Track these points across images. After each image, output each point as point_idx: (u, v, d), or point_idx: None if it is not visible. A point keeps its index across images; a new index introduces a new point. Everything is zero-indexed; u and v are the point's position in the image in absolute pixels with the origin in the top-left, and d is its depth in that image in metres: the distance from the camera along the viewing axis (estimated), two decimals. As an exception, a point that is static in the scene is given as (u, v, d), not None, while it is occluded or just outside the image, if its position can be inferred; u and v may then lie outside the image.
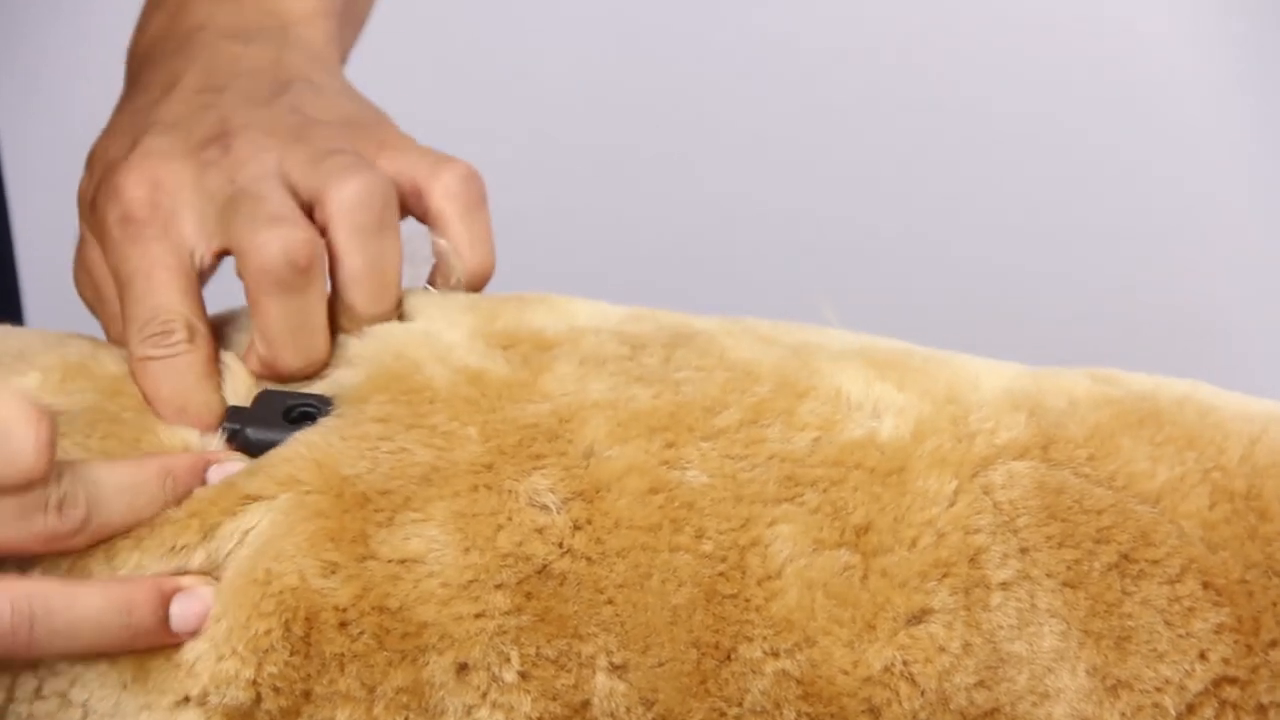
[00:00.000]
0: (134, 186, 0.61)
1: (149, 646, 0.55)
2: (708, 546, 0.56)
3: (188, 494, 0.57)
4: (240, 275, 0.60)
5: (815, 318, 0.66)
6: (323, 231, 0.61)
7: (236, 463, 0.58)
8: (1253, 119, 1.29)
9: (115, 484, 0.56)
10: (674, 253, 1.28)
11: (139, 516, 0.57)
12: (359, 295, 0.61)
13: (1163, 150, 1.30)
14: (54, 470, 0.54)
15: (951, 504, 0.57)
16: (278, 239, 0.59)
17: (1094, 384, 0.61)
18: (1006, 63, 1.33)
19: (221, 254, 0.61)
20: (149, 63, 0.69)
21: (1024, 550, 0.56)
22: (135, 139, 0.63)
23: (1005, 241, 1.33)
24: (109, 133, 0.66)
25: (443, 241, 0.63)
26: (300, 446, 0.58)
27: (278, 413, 0.60)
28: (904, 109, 1.34)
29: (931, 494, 0.57)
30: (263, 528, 0.56)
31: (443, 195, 0.63)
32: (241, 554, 0.56)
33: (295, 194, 0.61)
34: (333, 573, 0.56)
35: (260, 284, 0.59)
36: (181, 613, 0.55)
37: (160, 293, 0.60)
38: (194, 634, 0.55)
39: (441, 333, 0.61)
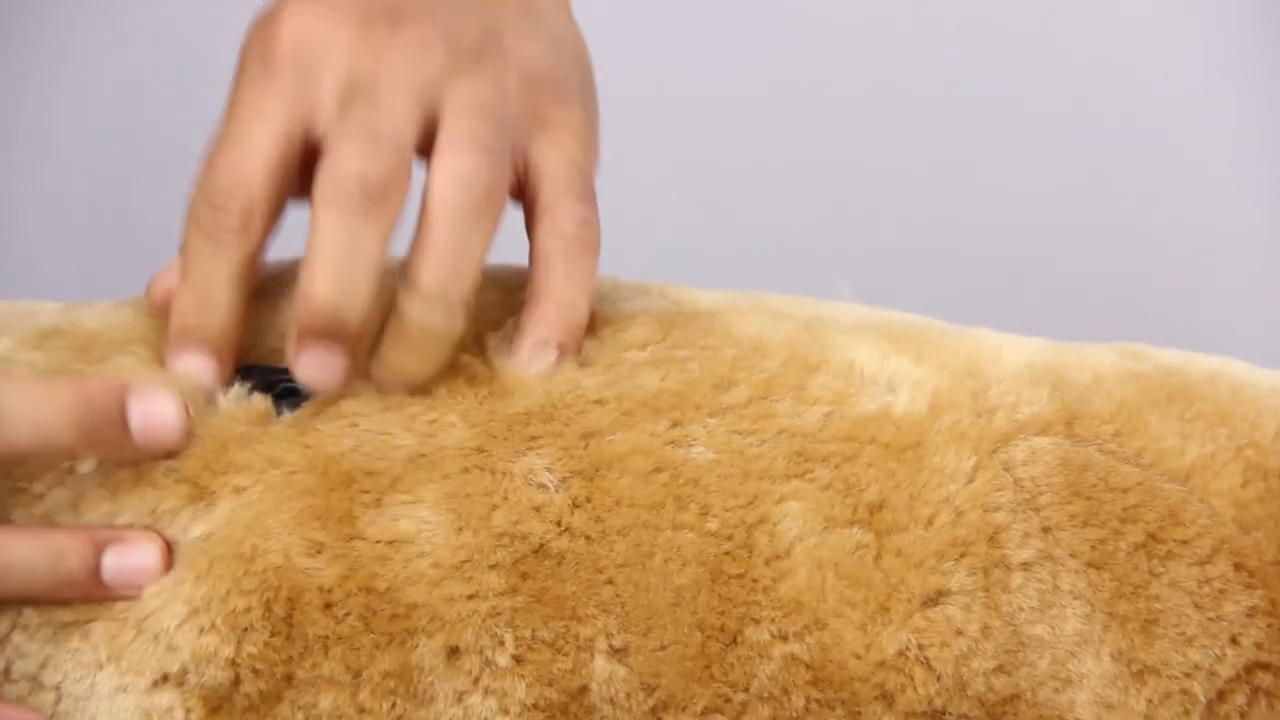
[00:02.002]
0: (289, 26, 0.58)
1: (80, 599, 0.55)
2: (713, 525, 0.55)
3: (109, 428, 0.56)
4: (315, 174, 0.57)
5: (831, 296, 0.65)
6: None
7: (163, 399, 0.56)
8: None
9: (20, 399, 0.55)
10: (688, 234, 1.29)
11: (48, 440, 0.55)
12: (426, 270, 0.57)
13: (1185, 135, 1.31)
14: None
15: (970, 481, 0.56)
16: (361, 155, 0.56)
17: (1120, 359, 0.60)
18: (1021, 48, 1.34)
19: (310, 151, 0.59)
20: None
21: (1046, 529, 0.56)
22: None
23: (1020, 227, 1.34)
24: None
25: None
26: (285, 426, 0.58)
27: (257, 387, 0.59)
28: (921, 95, 1.35)
29: (949, 470, 0.56)
30: (253, 496, 0.56)
31: (550, 230, 0.60)
32: (229, 515, 0.56)
33: (425, 119, 0.58)
34: (318, 552, 0.55)
35: (324, 192, 0.56)
36: (115, 566, 0.55)
37: (244, 157, 0.57)
38: (132, 591, 0.55)
39: None
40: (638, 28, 1.29)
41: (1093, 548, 0.55)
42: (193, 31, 1.30)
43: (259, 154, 0.57)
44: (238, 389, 0.59)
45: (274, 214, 0.58)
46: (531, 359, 0.59)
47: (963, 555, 0.55)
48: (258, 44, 0.59)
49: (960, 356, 0.60)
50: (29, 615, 0.55)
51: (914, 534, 0.55)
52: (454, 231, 0.57)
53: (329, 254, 0.56)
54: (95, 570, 0.55)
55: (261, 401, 0.58)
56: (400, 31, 0.59)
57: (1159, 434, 0.57)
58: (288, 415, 0.58)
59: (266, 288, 0.61)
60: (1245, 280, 1.32)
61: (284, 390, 0.59)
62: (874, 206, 1.36)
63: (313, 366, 0.57)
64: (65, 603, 0.55)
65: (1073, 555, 0.55)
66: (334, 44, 0.58)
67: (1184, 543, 0.56)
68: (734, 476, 0.56)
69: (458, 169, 0.57)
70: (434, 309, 0.57)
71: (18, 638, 0.55)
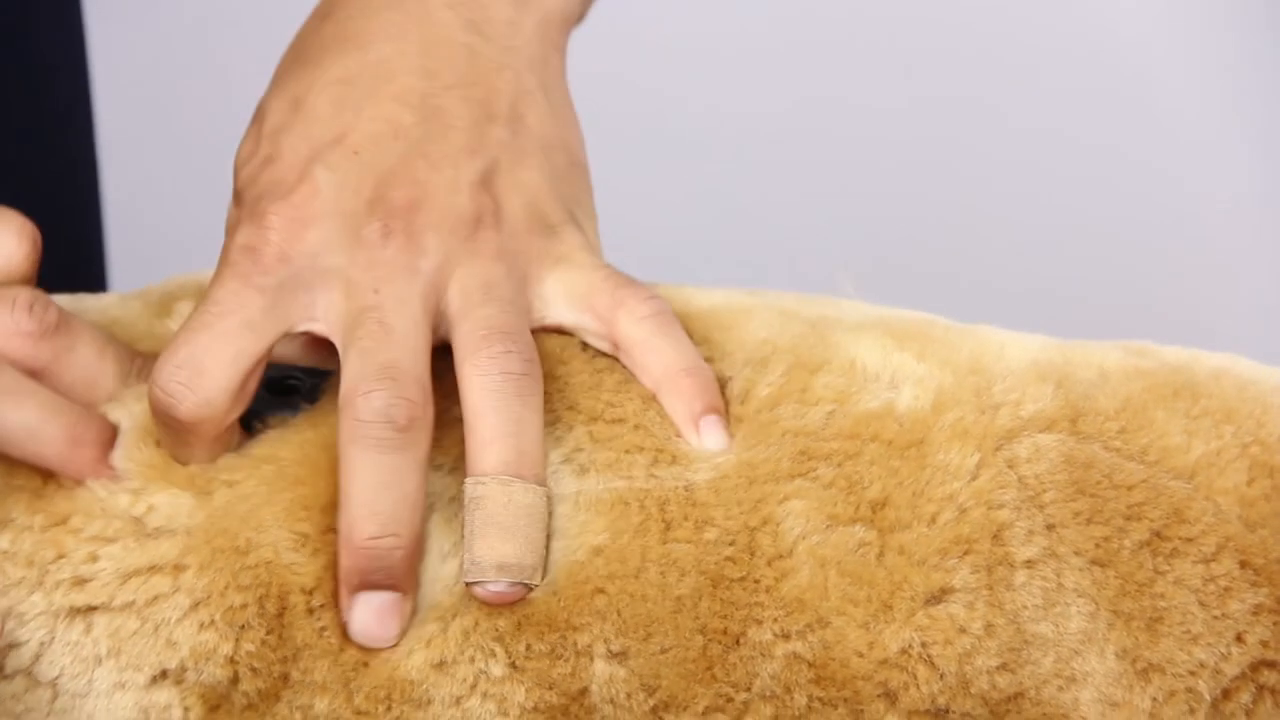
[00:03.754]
0: (278, 226, 0.58)
1: (75, 469, 0.56)
2: (711, 534, 0.56)
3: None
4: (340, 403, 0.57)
5: (834, 292, 0.66)
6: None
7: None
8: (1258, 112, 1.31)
9: (91, 331, 0.58)
10: (691, 231, 1.29)
11: (100, 370, 0.58)
12: (491, 457, 0.56)
13: (1192, 131, 1.32)
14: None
15: (974, 478, 0.57)
16: (384, 394, 0.56)
17: (1126, 355, 0.60)
18: (1020, 57, 1.34)
19: (317, 340, 0.59)
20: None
21: (1050, 527, 0.56)
22: (311, 148, 0.60)
23: (1023, 223, 1.35)
24: (283, 81, 0.62)
25: None
26: (287, 429, 0.58)
27: (262, 386, 0.60)
28: (921, 92, 1.35)
29: (953, 467, 0.57)
30: (247, 489, 0.57)
31: (631, 321, 0.60)
32: (225, 507, 0.56)
33: (435, 313, 0.59)
34: (302, 545, 0.56)
35: (352, 434, 0.56)
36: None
37: (215, 359, 0.57)
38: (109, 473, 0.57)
39: None
40: (640, 25, 1.29)
41: (1097, 545, 0.56)
42: (195, 32, 1.31)
43: (229, 368, 0.57)
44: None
45: (234, 410, 0.57)
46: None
47: (966, 553, 0.56)
48: (246, 235, 0.59)
49: (963, 353, 0.60)
50: (30, 601, 0.55)
51: (917, 531, 0.56)
52: (506, 416, 0.57)
53: (366, 496, 0.55)
54: (106, 453, 0.57)
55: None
56: (392, 239, 0.59)
57: (1164, 431, 0.58)
58: (293, 415, 0.59)
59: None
60: (1250, 277, 1.32)
61: (286, 387, 0.60)
62: (874, 203, 1.37)
63: (370, 613, 0.55)
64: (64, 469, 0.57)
65: (1077, 553, 0.56)
66: (327, 250, 0.58)
67: (1189, 540, 0.56)
68: (740, 485, 0.57)
69: (487, 359, 0.57)
70: (513, 488, 0.56)
71: (10, 625, 0.55)
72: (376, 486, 0.55)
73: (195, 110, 1.41)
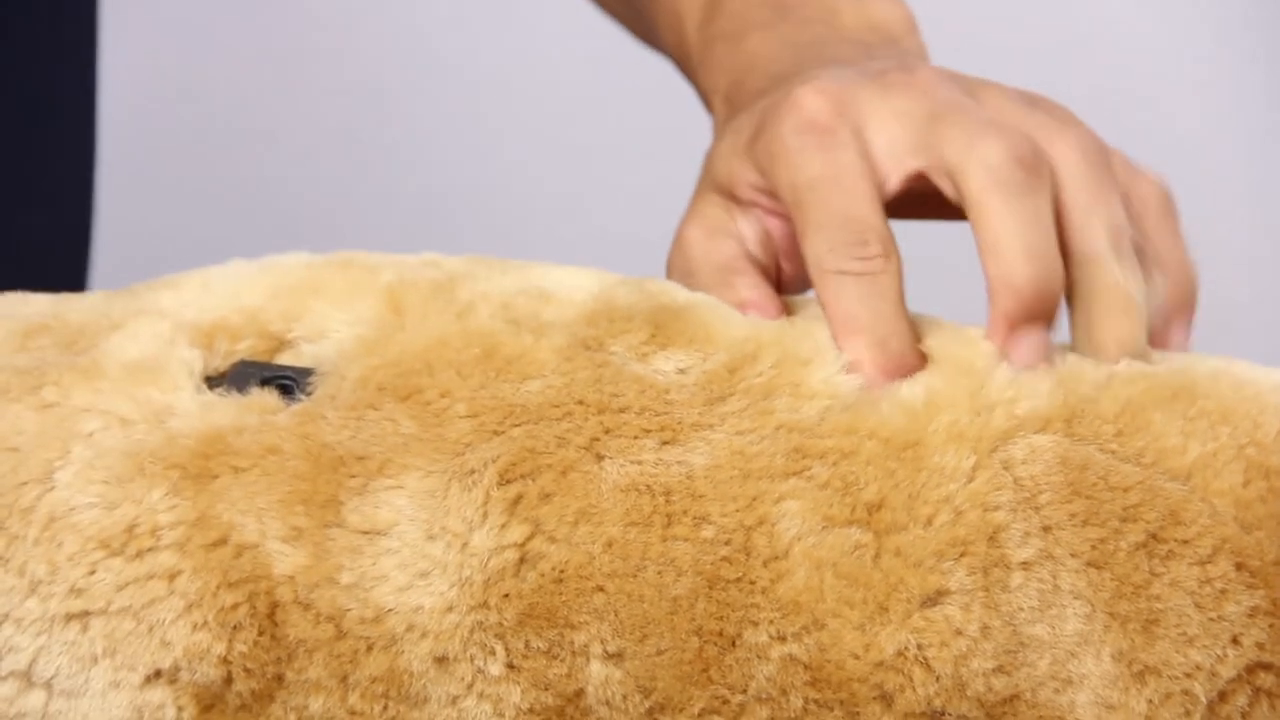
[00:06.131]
0: (815, 98, 0.61)
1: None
2: (709, 532, 0.56)
3: None
4: (957, 191, 0.60)
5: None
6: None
7: None
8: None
9: None
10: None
11: None
12: (1099, 232, 0.60)
13: (1187, 131, 1.32)
14: None
15: (970, 480, 0.57)
16: (998, 141, 0.59)
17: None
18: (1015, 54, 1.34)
19: (916, 177, 0.61)
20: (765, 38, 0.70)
21: (1046, 529, 0.56)
22: (800, 75, 0.64)
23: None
24: (751, 69, 0.68)
25: None
26: (289, 416, 0.58)
27: (254, 383, 0.60)
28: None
29: (948, 469, 0.57)
30: (248, 481, 0.57)
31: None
32: (223, 505, 0.57)
33: None
34: (296, 538, 0.56)
35: (982, 184, 0.59)
36: None
37: (854, 201, 0.60)
38: None
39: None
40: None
41: (1093, 547, 0.56)
42: (191, 33, 1.31)
43: (868, 198, 0.60)
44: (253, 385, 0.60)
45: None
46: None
47: (962, 555, 0.56)
48: (786, 121, 0.62)
49: (958, 351, 0.60)
50: (25, 607, 0.56)
51: (913, 533, 0.56)
52: (1100, 189, 0.60)
53: (1018, 239, 0.58)
54: None
55: (271, 396, 0.59)
56: (916, 75, 0.62)
57: (1161, 433, 0.58)
58: (293, 406, 0.59)
59: None
60: (1245, 278, 1.32)
61: (280, 388, 0.60)
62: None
63: (1030, 352, 0.59)
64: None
65: (1073, 555, 0.56)
66: (868, 99, 0.62)
67: (1185, 542, 0.56)
68: (734, 478, 0.57)
69: (1072, 143, 0.61)
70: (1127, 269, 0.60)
71: (8, 630, 0.56)
72: (1026, 230, 0.58)
73: (195, 112, 1.41)
